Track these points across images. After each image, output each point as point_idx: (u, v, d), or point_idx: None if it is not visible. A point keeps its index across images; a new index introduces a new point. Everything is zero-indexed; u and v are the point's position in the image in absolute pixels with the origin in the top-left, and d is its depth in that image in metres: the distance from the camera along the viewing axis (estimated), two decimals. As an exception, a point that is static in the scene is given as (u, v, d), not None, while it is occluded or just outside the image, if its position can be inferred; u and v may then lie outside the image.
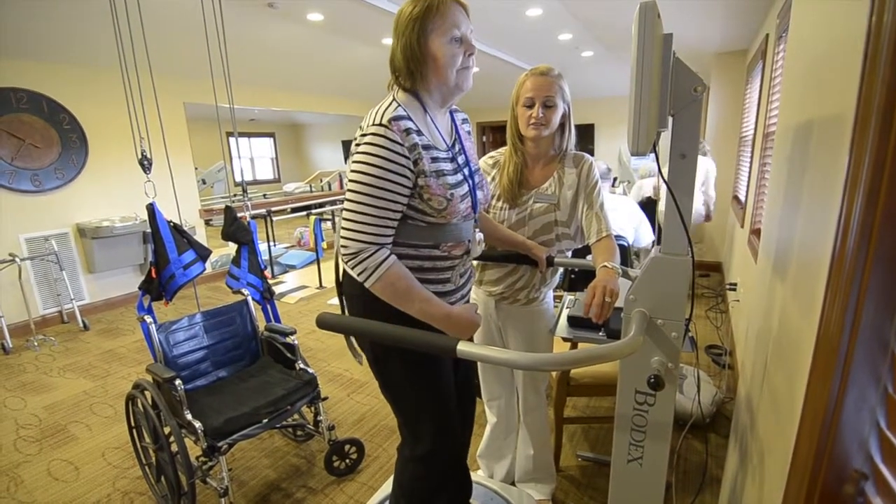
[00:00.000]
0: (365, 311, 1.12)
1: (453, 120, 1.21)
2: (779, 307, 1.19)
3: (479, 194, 1.20)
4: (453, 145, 1.16)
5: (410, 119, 1.02)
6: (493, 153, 1.56)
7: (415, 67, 1.04)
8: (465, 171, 1.15)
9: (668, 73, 0.82)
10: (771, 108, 2.32)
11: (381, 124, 0.98)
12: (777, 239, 1.36)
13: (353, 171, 1.00)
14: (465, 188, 1.12)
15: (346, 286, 1.17)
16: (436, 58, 1.03)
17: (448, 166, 1.09)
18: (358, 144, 1.01)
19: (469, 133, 1.28)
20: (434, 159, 1.05)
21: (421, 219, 1.08)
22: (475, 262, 1.50)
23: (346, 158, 11.46)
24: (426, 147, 1.04)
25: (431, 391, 1.18)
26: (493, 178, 1.52)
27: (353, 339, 1.22)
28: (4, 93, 3.65)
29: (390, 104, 1.03)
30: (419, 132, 1.03)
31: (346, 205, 1.01)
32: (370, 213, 0.99)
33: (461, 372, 1.35)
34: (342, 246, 1.02)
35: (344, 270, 1.17)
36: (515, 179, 1.46)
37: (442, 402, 1.19)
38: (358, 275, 1.02)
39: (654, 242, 3.00)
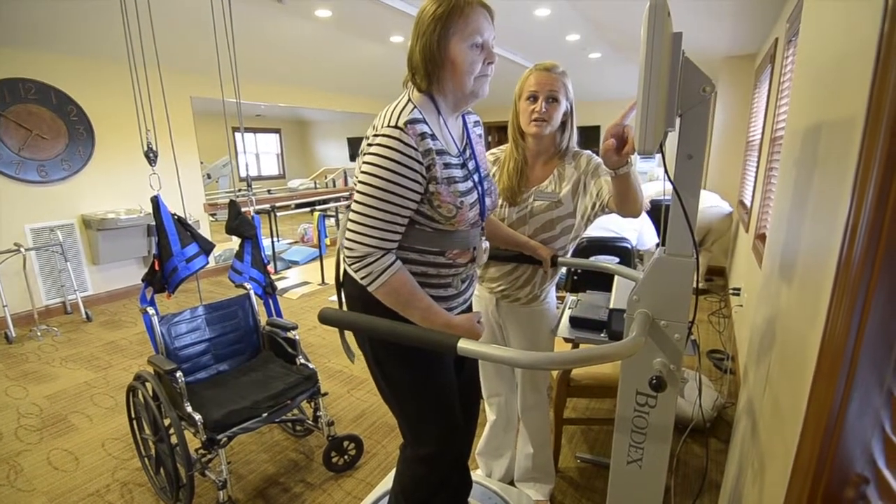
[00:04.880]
0: (365, 312, 1.10)
1: (465, 123, 1.18)
2: (783, 311, 1.18)
3: (488, 201, 1.17)
4: (464, 150, 1.13)
5: (425, 122, 0.99)
6: (494, 150, 1.55)
7: (432, 69, 1.01)
8: (475, 177, 1.12)
9: (677, 72, 0.82)
10: (779, 113, 2.30)
11: (396, 126, 0.95)
12: (783, 243, 1.35)
13: (364, 171, 0.97)
14: (475, 195, 1.10)
15: (346, 286, 1.16)
16: (455, 62, 1.00)
17: (459, 173, 1.06)
18: (371, 144, 0.97)
19: (480, 136, 1.25)
20: (446, 165, 1.03)
21: (428, 224, 1.06)
22: None
23: (351, 156, 11.41)
24: (439, 152, 1.01)
25: (433, 392, 1.16)
26: (494, 175, 1.51)
27: (346, 338, 1.22)
28: (13, 83, 3.67)
29: (406, 105, 1.00)
30: (433, 136, 1.00)
31: (355, 206, 0.98)
32: (379, 217, 0.96)
33: (465, 372, 1.34)
34: (347, 248, 1.00)
35: (345, 270, 1.16)
36: (516, 177, 1.45)
37: (444, 403, 1.18)
38: (362, 278, 1.00)
39: (657, 245, 2.99)
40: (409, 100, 1.02)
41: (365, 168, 0.97)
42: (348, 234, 0.99)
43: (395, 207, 0.97)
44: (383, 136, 0.96)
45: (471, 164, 1.13)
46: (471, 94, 1.05)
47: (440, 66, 1.01)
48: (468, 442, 1.38)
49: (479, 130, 1.26)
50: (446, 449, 1.20)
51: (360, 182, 0.98)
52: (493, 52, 1.05)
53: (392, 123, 0.96)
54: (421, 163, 0.97)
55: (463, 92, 1.04)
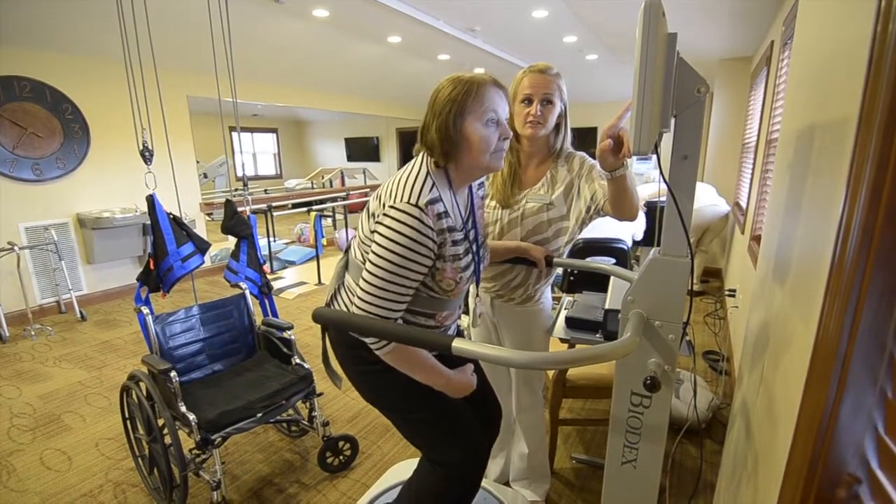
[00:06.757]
0: (351, 356, 1.16)
1: (470, 189, 1.19)
2: (778, 312, 1.18)
3: (481, 267, 1.21)
4: (467, 221, 1.15)
5: (442, 200, 1.02)
6: None
7: (448, 148, 1.03)
8: (474, 247, 1.15)
9: (672, 72, 0.82)
10: (774, 115, 2.32)
11: (417, 205, 0.96)
12: (777, 244, 1.36)
13: (380, 244, 0.98)
14: (472, 268, 1.13)
15: (331, 330, 1.19)
16: (470, 140, 1.02)
17: (461, 249, 1.09)
18: (387, 215, 0.98)
19: (482, 199, 1.28)
20: (454, 242, 1.06)
21: (426, 292, 1.09)
22: None
23: (348, 156, 11.35)
24: (450, 229, 1.04)
25: (444, 414, 1.18)
26: (487, 179, 1.51)
27: (332, 363, 1.23)
28: (8, 81, 3.65)
29: (426, 181, 1.01)
30: (446, 214, 1.03)
31: (367, 276, 0.99)
32: (391, 290, 0.99)
33: (480, 385, 1.33)
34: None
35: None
36: (509, 180, 1.45)
37: (456, 421, 1.19)
38: (371, 343, 1.03)
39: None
40: (428, 173, 1.03)
41: (381, 241, 0.98)
42: (359, 303, 1.00)
43: (406, 281, 1.00)
44: (403, 212, 0.96)
45: (472, 235, 1.15)
46: (486, 168, 1.08)
47: (456, 144, 1.03)
48: (487, 449, 1.36)
49: (482, 192, 1.29)
50: (465, 465, 1.21)
51: (374, 254, 0.99)
52: (508, 128, 1.07)
53: (413, 201, 0.97)
54: (435, 241, 1.00)
55: (479, 167, 1.07)
